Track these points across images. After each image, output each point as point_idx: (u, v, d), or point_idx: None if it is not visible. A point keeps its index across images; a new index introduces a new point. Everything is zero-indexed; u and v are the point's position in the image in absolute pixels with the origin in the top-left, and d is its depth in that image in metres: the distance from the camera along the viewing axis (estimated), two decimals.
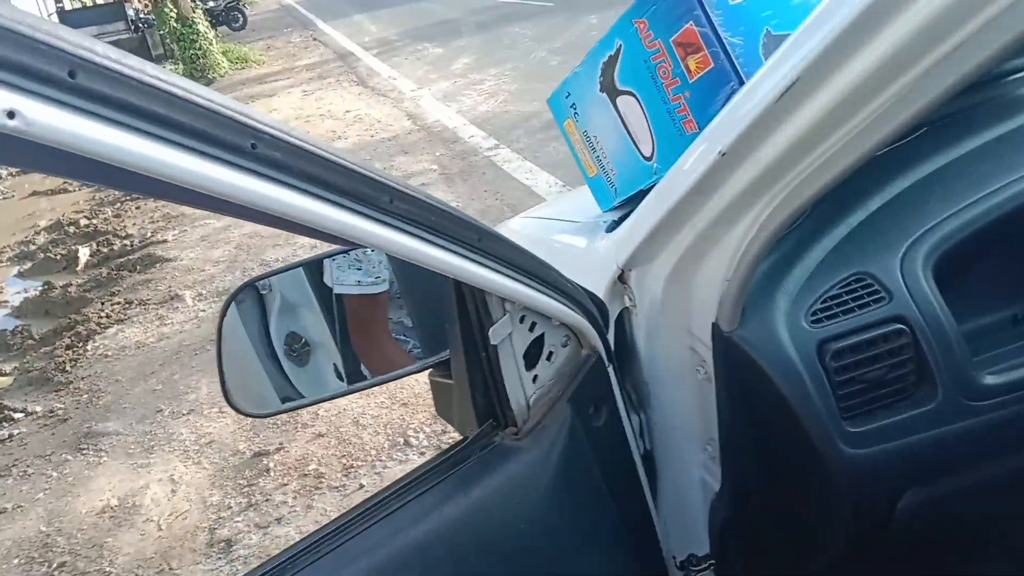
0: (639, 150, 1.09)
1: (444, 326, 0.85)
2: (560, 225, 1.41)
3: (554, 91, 1.21)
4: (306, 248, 4.90)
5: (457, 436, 0.95)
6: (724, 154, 0.73)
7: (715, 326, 0.90)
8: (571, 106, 1.18)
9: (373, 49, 12.15)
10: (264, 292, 0.89)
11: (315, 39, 15.17)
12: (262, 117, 0.49)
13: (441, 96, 8.17)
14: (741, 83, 0.91)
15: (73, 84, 0.37)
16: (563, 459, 0.84)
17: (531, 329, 0.82)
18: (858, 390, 0.89)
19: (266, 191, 0.49)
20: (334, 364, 0.90)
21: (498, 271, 0.71)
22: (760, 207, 0.79)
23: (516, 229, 1.55)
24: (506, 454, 0.81)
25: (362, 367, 0.92)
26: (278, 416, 2.90)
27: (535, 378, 0.85)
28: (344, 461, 2.92)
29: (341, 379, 0.87)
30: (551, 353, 0.86)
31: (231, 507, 2.81)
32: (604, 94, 1.09)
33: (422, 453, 2.89)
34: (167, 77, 0.43)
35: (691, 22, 0.91)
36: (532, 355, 0.84)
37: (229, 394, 0.81)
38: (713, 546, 1.14)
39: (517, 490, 0.80)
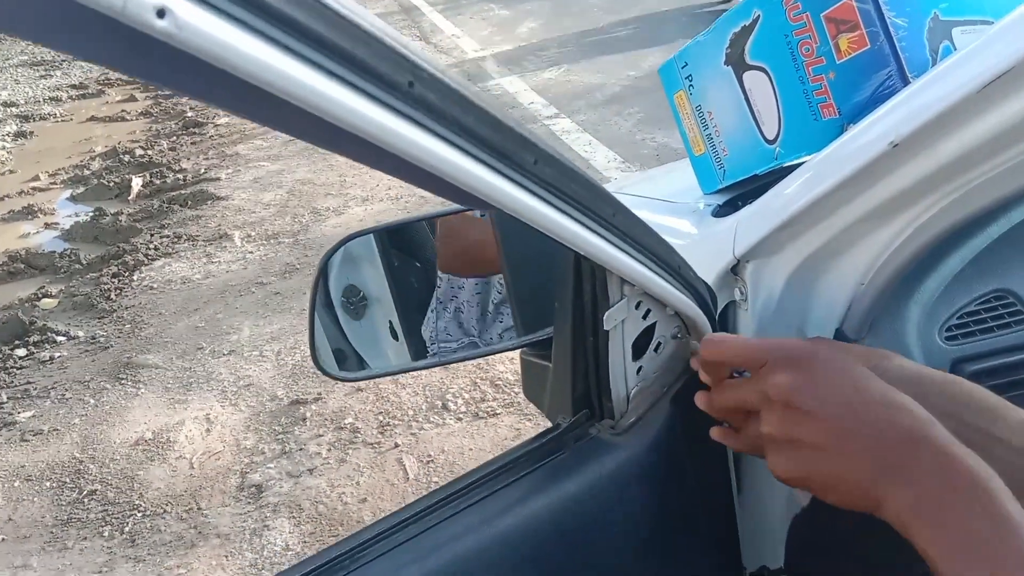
0: (761, 131, 1.00)
1: (544, 304, 0.78)
2: (647, 203, 1.33)
3: (668, 59, 1.13)
4: (358, 199, 4.85)
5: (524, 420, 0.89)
6: (895, 145, 0.65)
7: (839, 332, 0.82)
8: (686, 77, 1.10)
9: (438, 5, 11.99)
10: (358, 251, 0.82)
11: None
12: (418, 49, 0.42)
13: (504, 59, 8.03)
14: (900, 69, 0.82)
15: None
16: (659, 461, 0.77)
17: (644, 317, 0.74)
18: None
19: (416, 138, 0.42)
20: (422, 334, 0.83)
21: (626, 251, 0.64)
22: (921, 207, 0.70)
23: None
24: (602, 449, 0.74)
25: (455, 341, 0.85)
26: (361, 382, 2.87)
27: (639, 369, 0.77)
28: (380, 418, 2.88)
29: (427, 351, 0.81)
30: (659, 344, 0.78)
31: (264, 452, 2.79)
32: (729, 67, 1.00)
33: (459, 418, 2.84)
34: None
35: None
36: (639, 344, 0.76)
37: (317, 352, 0.75)
38: (788, 563, 1.07)
39: (610, 488, 0.73)
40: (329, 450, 2.74)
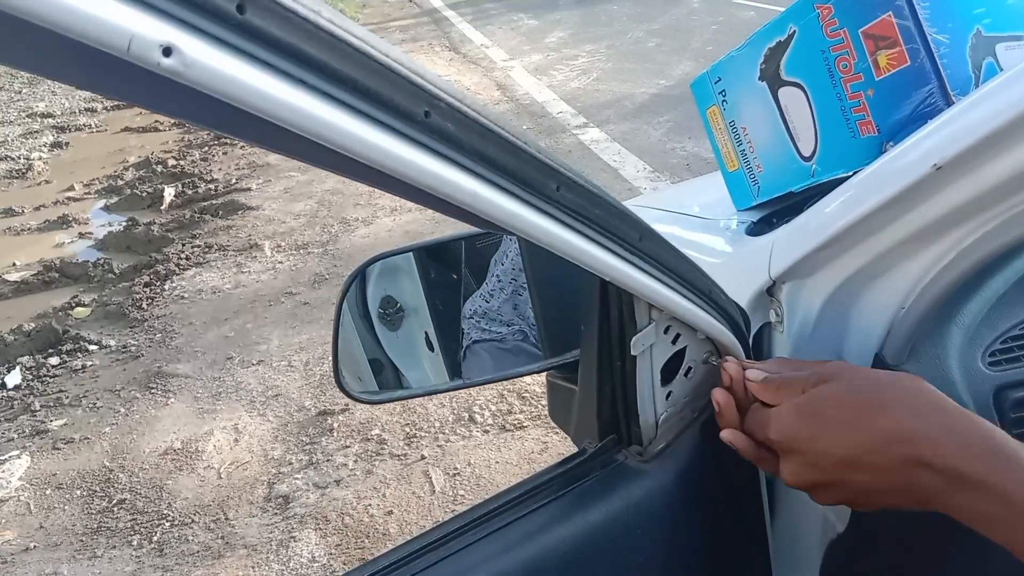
0: (797, 148, 0.98)
1: (571, 326, 0.76)
2: (678, 219, 1.31)
3: (701, 74, 1.10)
4: (386, 210, 4.87)
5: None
6: (939, 167, 0.62)
7: (879, 358, 0.79)
8: (720, 92, 1.07)
9: (468, 15, 12.05)
10: (384, 272, 0.81)
11: (410, 0, 15.13)
12: (435, 79, 0.40)
13: (533, 68, 8.04)
14: (941, 86, 0.79)
15: (241, 21, 0.29)
16: (689, 489, 0.75)
17: (674, 341, 0.72)
18: None
19: (432, 167, 0.41)
20: (451, 356, 0.82)
21: (654, 275, 0.62)
22: (966, 230, 0.67)
23: None
24: (629, 476, 0.72)
25: (481, 363, 0.84)
26: (386, 404, 2.87)
27: (669, 395, 0.75)
28: (407, 430, 2.87)
29: (457, 373, 0.79)
30: (690, 369, 0.76)
31: (291, 463, 2.79)
32: (764, 83, 0.98)
33: (486, 431, 2.83)
34: (342, 22, 0.34)
35: (890, 12, 0.79)
36: (668, 369, 0.74)
37: (341, 374, 0.74)
38: None
39: (637, 517, 0.71)
40: (356, 461, 2.74)
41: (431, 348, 0.84)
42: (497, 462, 2.66)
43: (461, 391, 2.98)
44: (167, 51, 0.28)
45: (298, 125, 0.33)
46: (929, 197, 0.66)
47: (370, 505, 2.54)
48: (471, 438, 2.78)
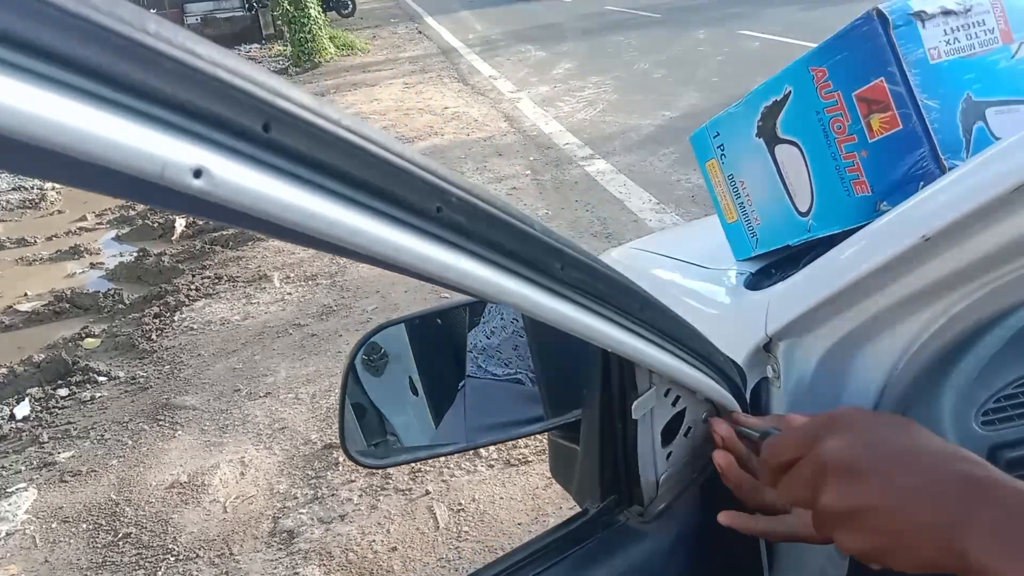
0: (794, 204, 1.00)
1: (572, 386, 0.78)
2: (679, 267, 1.33)
3: (700, 128, 1.13)
4: None
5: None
6: (927, 239, 0.64)
7: None
8: (718, 147, 1.10)
9: (476, 47, 12.18)
10: (391, 339, 0.83)
11: (420, 32, 15.32)
12: (447, 174, 0.43)
13: (540, 100, 8.11)
14: (932, 150, 0.81)
15: (267, 139, 0.31)
16: (689, 549, 0.76)
17: (674, 403, 0.74)
18: None
19: (445, 259, 0.43)
20: (457, 417, 0.83)
21: (654, 343, 0.64)
22: (956, 297, 0.69)
23: (621, 260, 1.46)
24: (630, 536, 0.74)
25: (484, 423, 0.85)
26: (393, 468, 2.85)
27: (669, 455, 0.77)
28: (413, 464, 2.88)
29: (462, 434, 0.81)
30: (689, 429, 0.77)
31: (297, 497, 2.80)
32: (761, 140, 1.00)
33: (490, 465, 2.83)
34: (362, 129, 0.37)
35: (882, 78, 0.82)
36: (668, 429, 0.76)
37: (346, 441, 0.75)
38: None
39: None
40: (360, 496, 2.74)
41: (415, 392, 0.86)
42: (502, 497, 2.66)
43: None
44: (197, 173, 0.30)
45: (319, 231, 0.35)
46: (918, 267, 0.68)
47: (374, 541, 2.54)
48: (476, 473, 2.79)
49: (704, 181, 1.18)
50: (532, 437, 2.91)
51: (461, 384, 0.86)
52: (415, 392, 0.89)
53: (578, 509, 0.77)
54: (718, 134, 1.10)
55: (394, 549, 2.51)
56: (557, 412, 0.78)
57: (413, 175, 0.40)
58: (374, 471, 2.76)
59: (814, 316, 0.81)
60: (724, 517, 0.72)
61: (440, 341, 0.83)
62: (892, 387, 0.78)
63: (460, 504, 2.65)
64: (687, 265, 1.30)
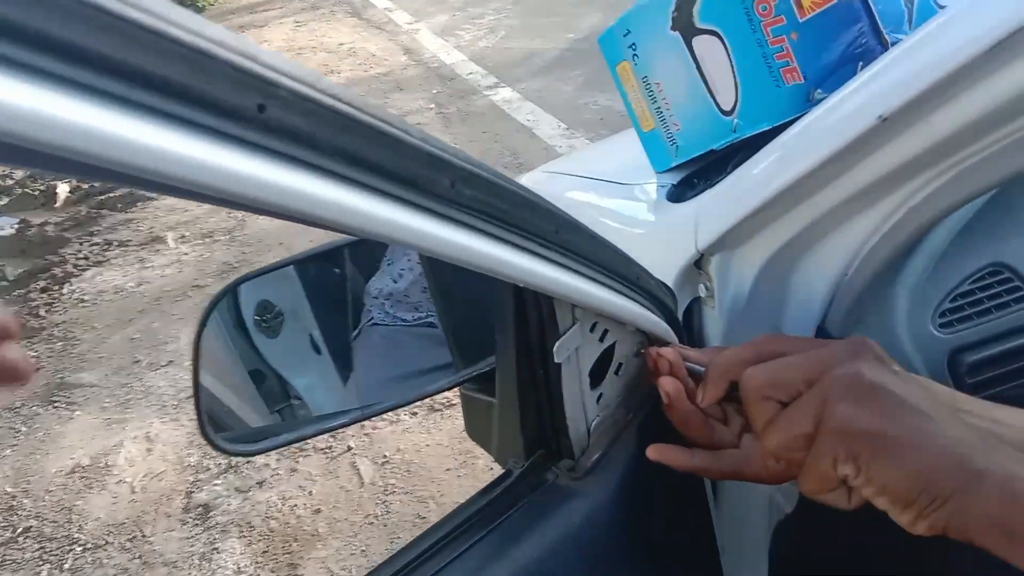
0: (716, 102, 0.89)
1: (483, 331, 0.66)
2: (595, 186, 1.22)
3: (608, 28, 1.00)
4: None
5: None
6: (885, 119, 0.54)
7: (822, 330, 0.71)
8: (629, 46, 0.98)
9: None
10: (252, 295, 0.68)
11: None
12: (276, 61, 0.30)
13: (439, 30, 7.82)
14: (872, 24, 0.71)
15: None
16: (629, 501, 0.67)
17: (601, 339, 0.63)
18: None
19: (267, 175, 0.30)
20: (345, 383, 0.70)
21: (575, 271, 0.52)
22: (914, 187, 0.60)
23: (531, 186, 1.34)
24: (562, 497, 0.63)
25: (391, 378, 0.72)
26: (271, 453, 2.64)
27: (599, 397, 0.66)
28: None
29: (355, 402, 0.68)
30: (620, 366, 0.67)
31: (209, 469, 2.64)
32: (677, 33, 0.89)
33: (413, 413, 2.72)
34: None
35: None
36: (596, 369, 0.65)
37: (206, 427, 0.61)
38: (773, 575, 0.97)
39: (576, 545, 0.62)
40: (278, 460, 2.60)
41: (317, 350, 0.73)
42: (428, 445, 2.56)
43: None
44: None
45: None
46: (873, 153, 0.58)
47: (296, 505, 2.42)
48: (399, 423, 2.68)
49: (617, 90, 1.06)
50: None
51: (355, 334, 0.73)
52: (318, 351, 0.76)
53: (500, 471, 0.66)
54: (628, 32, 0.97)
55: (318, 511, 2.39)
56: (468, 363, 0.66)
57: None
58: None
59: (751, 222, 0.71)
60: (654, 451, 0.62)
61: (322, 285, 0.69)
62: (842, 296, 0.69)
63: (385, 456, 2.54)
64: (603, 183, 1.18)
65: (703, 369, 0.61)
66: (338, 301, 0.66)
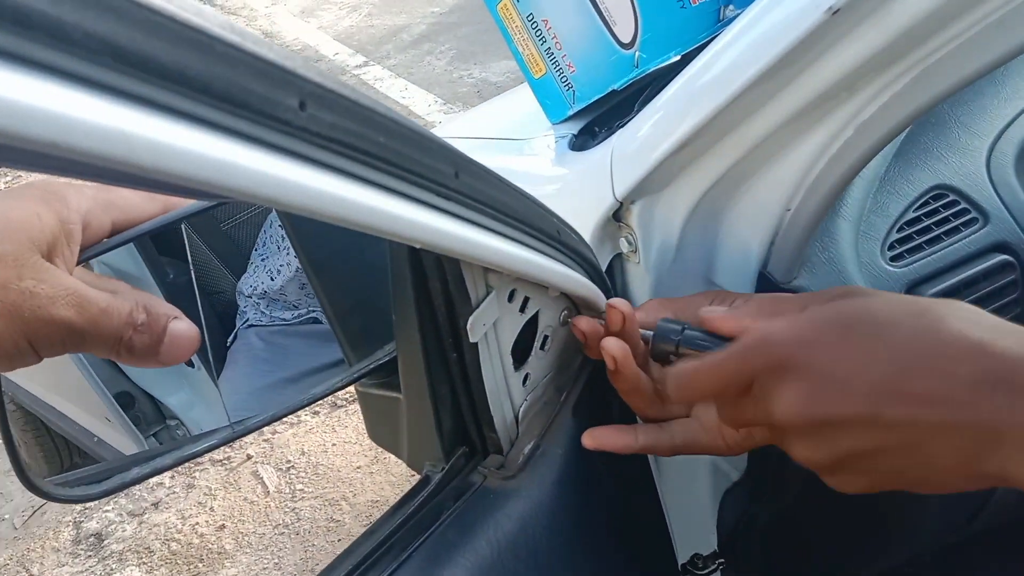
0: (614, 35, 0.80)
1: (377, 315, 0.55)
2: (485, 145, 1.11)
3: None
4: None
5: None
6: (836, 11, 0.45)
7: (765, 277, 0.63)
8: None
9: None
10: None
11: None
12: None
13: (298, 12, 7.49)
14: None
15: None
16: (572, 496, 0.57)
17: (522, 309, 0.53)
18: None
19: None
20: (208, 395, 0.56)
21: (485, 227, 0.41)
22: (865, 98, 0.51)
23: None
24: (494, 501, 0.53)
25: (269, 385, 0.59)
26: (118, 494, 2.36)
27: (526, 379, 0.56)
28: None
29: (222, 419, 0.54)
30: (546, 339, 0.57)
31: None
32: None
33: (315, 413, 2.56)
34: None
35: None
36: (519, 344, 0.55)
37: (27, 471, 0.46)
38: (722, 545, 0.90)
39: (516, 555, 0.52)
40: (172, 477, 2.41)
41: (191, 366, 0.60)
42: (334, 443, 2.42)
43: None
44: None
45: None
46: (820, 56, 0.49)
47: (198, 524, 2.24)
48: (300, 424, 2.52)
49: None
50: None
51: (230, 341, 0.60)
52: (190, 363, 0.62)
53: (416, 478, 0.55)
54: None
55: (222, 527, 2.23)
56: (362, 353, 0.55)
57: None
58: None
59: (672, 163, 0.61)
60: (590, 438, 0.54)
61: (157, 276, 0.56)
62: (784, 236, 0.60)
63: (288, 461, 2.39)
64: (495, 142, 1.08)
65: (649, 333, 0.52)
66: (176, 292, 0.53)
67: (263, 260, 0.68)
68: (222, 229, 0.57)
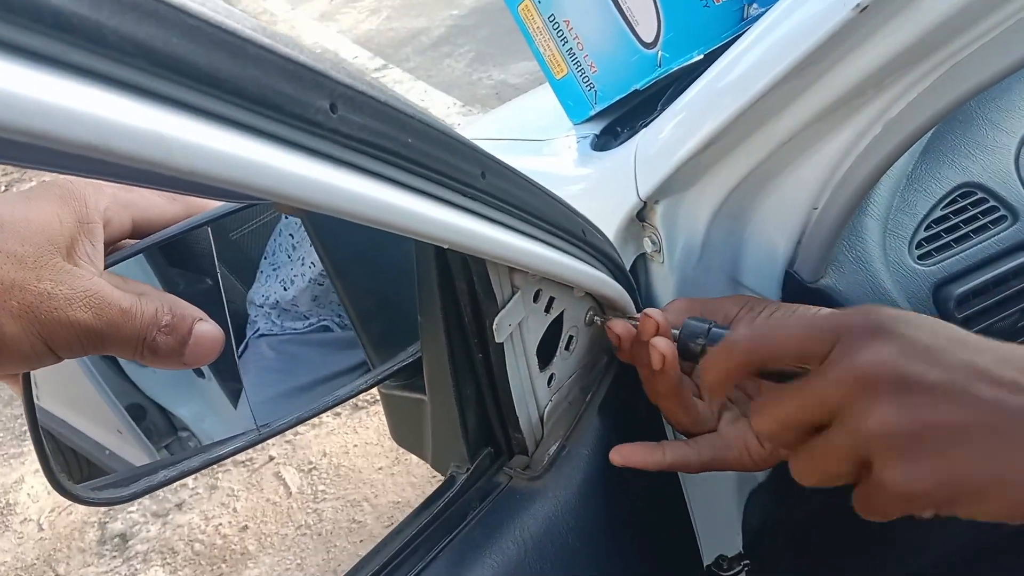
0: (636, 34, 0.80)
1: (401, 317, 0.55)
2: (507, 146, 1.11)
3: None
4: None
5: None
6: (864, 8, 0.44)
7: (792, 276, 0.63)
8: None
9: None
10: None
11: None
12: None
13: (318, 16, 7.53)
14: None
15: None
16: (600, 496, 0.57)
17: (547, 309, 0.53)
18: None
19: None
20: (236, 405, 0.57)
21: (511, 227, 0.41)
22: (893, 95, 0.51)
23: None
24: (520, 502, 0.53)
25: (287, 392, 0.59)
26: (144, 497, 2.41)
27: (551, 379, 0.56)
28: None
29: (247, 424, 0.55)
30: (571, 339, 0.57)
31: None
32: None
33: (336, 414, 2.58)
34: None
35: None
36: (544, 344, 0.55)
37: (58, 475, 0.47)
38: (747, 546, 0.90)
39: (542, 562, 0.52)
40: (195, 479, 2.43)
41: (202, 376, 0.60)
42: (355, 445, 2.43)
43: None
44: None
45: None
46: (848, 53, 0.48)
47: (221, 524, 2.25)
48: (322, 426, 2.53)
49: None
50: None
51: (241, 350, 0.60)
52: (200, 373, 0.62)
53: (439, 480, 0.55)
54: None
55: (245, 528, 2.24)
56: (386, 355, 0.55)
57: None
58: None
59: (698, 162, 0.61)
60: (617, 455, 0.53)
61: (182, 276, 0.56)
62: (812, 235, 0.60)
63: (311, 462, 2.40)
64: (517, 143, 1.08)
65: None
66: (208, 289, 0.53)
67: (275, 270, 0.68)
68: (231, 238, 0.57)
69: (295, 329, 0.63)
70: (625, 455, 0.53)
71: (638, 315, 0.55)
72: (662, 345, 0.51)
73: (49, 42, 0.20)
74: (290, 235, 0.62)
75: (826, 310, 0.50)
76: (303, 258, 0.65)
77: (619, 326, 0.54)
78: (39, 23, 0.20)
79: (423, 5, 7.01)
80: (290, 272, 0.67)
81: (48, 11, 0.20)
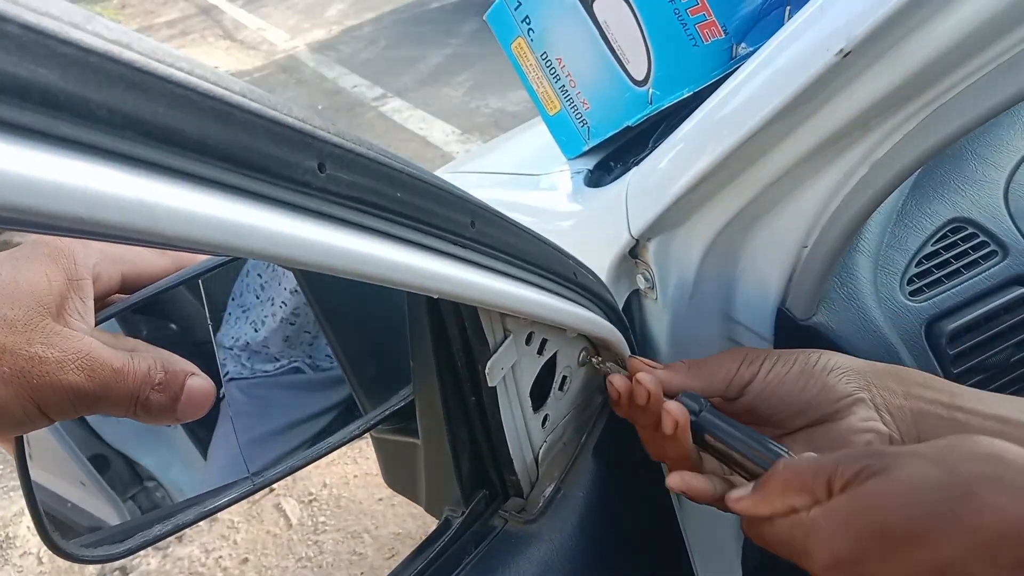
0: (627, 72, 0.80)
1: (391, 361, 0.55)
2: (501, 181, 1.12)
3: (496, 2, 0.90)
4: None
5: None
6: (847, 53, 0.45)
7: (783, 313, 0.63)
8: (523, 20, 0.88)
9: (238, 0, 11.33)
10: None
11: None
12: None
13: (317, 46, 7.61)
14: None
15: None
16: (595, 539, 0.56)
17: (540, 351, 0.53)
18: (976, 383, 0.65)
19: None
20: (187, 454, 0.56)
21: (501, 272, 0.42)
22: (880, 136, 0.51)
23: None
24: (516, 545, 0.53)
25: (270, 437, 0.59)
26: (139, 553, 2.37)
27: (545, 420, 0.56)
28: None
29: (241, 472, 0.54)
30: (564, 379, 0.57)
31: None
32: None
33: None
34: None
35: None
36: (537, 387, 0.55)
37: (51, 534, 0.46)
38: None
39: None
40: None
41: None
42: (356, 475, 2.42)
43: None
44: None
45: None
46: (833, 96, 0.49)
47: (221, 556, 2.24)
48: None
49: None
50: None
51: (219, 395, 0.60)
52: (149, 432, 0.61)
53: (435, 523, 0.55)
54: (520, 4, 0.88)
55: (245, 560, 2.22)
56: (377, 400, 0.55)
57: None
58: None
59: (690, 200, 0.62)
60: (679, 480, 0.50)
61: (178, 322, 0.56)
62: (803, 272, 0.60)
63: (311, 494, 2.39)
64: (511, 177, 1.09)
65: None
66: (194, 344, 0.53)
67: (244, 311, 0.67)
68: (196, 281, 0.56)
69: (266, 372, 0.62)
70: (686, 480, 0.50)
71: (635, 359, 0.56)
72: (675, 411, 0.49)
73: (37, 118, 0.20)
74: (258, 275, 0.62)
75: (823, 355, 0.51)
76: (272, 298, 0.65)
77: (619, 381, 0.53)
78: (27, 101, 0.20)
79: (421, 34, 7.07)
80: (260, 313, 0.66)
81: (36, 89, 0.20)
